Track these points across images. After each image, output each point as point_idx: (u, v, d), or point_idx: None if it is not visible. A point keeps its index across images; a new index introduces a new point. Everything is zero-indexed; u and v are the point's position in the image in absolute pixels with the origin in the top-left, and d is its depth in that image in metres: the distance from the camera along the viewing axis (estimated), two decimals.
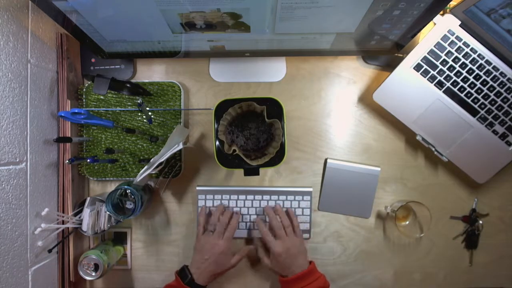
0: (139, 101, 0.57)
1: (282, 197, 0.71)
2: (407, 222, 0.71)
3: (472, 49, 0.64)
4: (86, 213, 0.65)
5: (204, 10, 0.47)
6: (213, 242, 0.62)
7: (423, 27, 0.53)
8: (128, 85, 0.62)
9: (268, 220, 0.67)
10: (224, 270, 0.63)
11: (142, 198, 0.63)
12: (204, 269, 0.61)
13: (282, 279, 0.63)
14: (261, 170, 0.58)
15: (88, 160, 0.62)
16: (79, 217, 0.66)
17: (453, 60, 0.65)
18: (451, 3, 0.56)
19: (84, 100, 0.70)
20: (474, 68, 0.64)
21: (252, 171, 0.57)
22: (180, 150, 0.67)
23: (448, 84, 0.65)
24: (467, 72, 0.65)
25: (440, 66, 0.65)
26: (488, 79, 0.65)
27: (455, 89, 0.65)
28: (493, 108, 0.65)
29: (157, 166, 0.61)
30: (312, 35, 0.56)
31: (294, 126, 0.72)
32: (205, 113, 0.73)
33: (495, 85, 0.65)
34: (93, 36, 0.56)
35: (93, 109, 0.70)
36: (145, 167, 0.62)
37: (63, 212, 0.67)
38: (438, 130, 0.67)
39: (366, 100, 0.72)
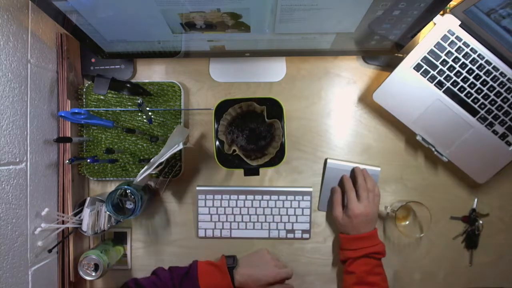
0: (139, 101, 0.57)
1: (282, 197, 0.71)
2: (407, 222, 0.71)
3: (472, 49, 0.64)
4: (86, 213, 0.65)
5: (204, 10, 0.47)
6: (276, 272, 0.64)
7: (423, 27, 0.53)
8: (128, 85, 0.62)
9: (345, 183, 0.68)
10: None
11: (142, 198, 0.63)
12: (247, 278, 0.63)
13: (342, 235, 0.64)
14: (261, 170, 0.58)
15: (88, 160, 0.62)
16: (79, 217, 0.66)
17: (453, 60, 0.65)
18: (451, 3, 0.56)
19: (84, 100, 0.70)
20: (474, 68, 0.64)
21: (252, 171, 0.57)
22: (180, 150, 0.67)
23: (448, 84, 0.65)
24: (467, 72, 0.65)
25: (440, 66, 0.65)
26: (488, 79, 0.65)
27: (455, 89, 0.65)
28: (493, 108, 0.65)
29: (157, 166, 0.61)
30: (312, 35, 0.56)
31: (294, 126, 0.72)
32: (205, 113, 0.73)
33: (495, 85, 0.65)
34: (93, 36, 0.56)
35: (93, 109, 0.70)
36: (145, 167, 0.62)
37: (63, 212, 0.67)
38: (438, 130, 0.67)
39: (366, 100, 0.72)
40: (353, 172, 0.70)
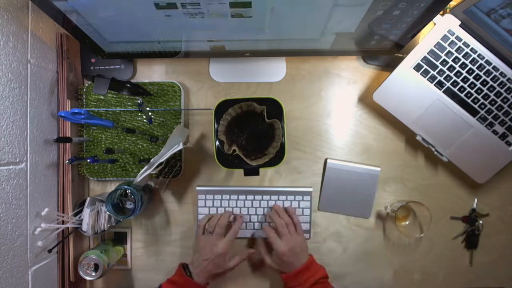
0: (139, 101, 0.57)
1: (282, 197, 0.71)
2: (407, 222, 0.71)
3: (472, 49, 0.64)
4: (86, 213, 0.65)
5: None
6: (212, 243, 0.62)
7: (423, 27, 0.53)
8: (128, 85, 0.62)
9: (268, 221, 0.67)
10: (222, 271, 0.63)
11: (142, 198, 0.63)
12: (202, 269, 0.61)
13: (284, 275, 0.63)
14: (261, 170, 0.58)
15: (88, 160, 0.62)
16: (79, 217, 0.66)
17: (453, 60, 0.65)
18: (451, 3, 0.56)
19: (84, 100, 0.70)
20: (474, 68, 0.64)
21: (252, 171, 0.57)
22: (180, 150, 0.67)
23: (448, 84, 0.65)
24: (467, 72, 0.65)
25: (440, 66, 0.65)
26: (488, 79, 0.65)
27: (455, 89, 0.65)
28: (493, 108, 0.65)
29: (157, 166, 0.61)
30: (311, 35, 0.56)
31: (294, 126, 0.72)
32: (205, 113, 0.73)
33: (495, 85, 0.65)
34: (93, 36, 0.56)
35: (93, 109, 0.70)
36: (145, 167, 0.62)
37: (63, 212, 0.67)
38: (438, 130, 0.67)
39: (366, 100, 0.72)
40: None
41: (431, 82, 0.65)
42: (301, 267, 0.61)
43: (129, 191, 0.64)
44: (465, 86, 0.65)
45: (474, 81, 0.65)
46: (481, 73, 0.65)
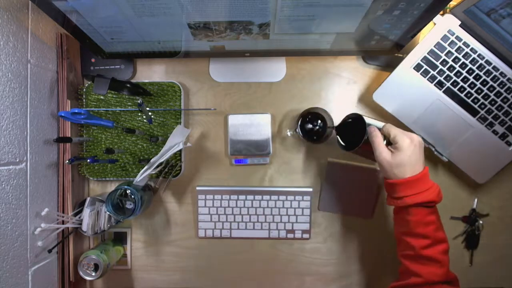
0: (139, 101, 0.57)
1: (282, 197, 0.71)
2: None
3: (472, 49, 0.64)
4: (86, 213, 0.65)
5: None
6: None
7: (423, 27, 0.53)
8: (128, 85, 0.62)
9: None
10: None
11: (142, 198, 0.63)
12: None
13: (388, 181, 0.53)
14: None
15: (88, 160, 0.62)
16: (79, 217, 0.66)
17: (453, 60, 0.65)
18: (451, 3, 0.56)
19: (84, 100, 0.70)
20: (474, 68, 0.64)
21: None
22: (180, 150, 0.67)
23: (448, 84, 0.65)
24: (467, 72, 0.65)
25: (440, 66, 0.65)
26: (488, 79, 0.65)
27: (455, 89, 0.65)
28: (493, 108, 0.65)
29: (157, 166, 0.61)
30: (312, 35, 0.56)
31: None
32: (205, 113, 0.73)
33: (495, 85, 0.65)
34: (93, 36, 0.56)
35: (93, 109, 0.70)
36: (145, 167, 0.62)
37: (63, 212, 0.67)
38: (438, 130, 0.66)
39: (366, 100, 0.72)
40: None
41: (431, 82, 0.65)
42: (408, 178, 0.51)
43: (129, 191, 0.64)
44: (465, 86, 0.65)
45: (474, 81, 0.65)
46: (481, 73, 0.64)
